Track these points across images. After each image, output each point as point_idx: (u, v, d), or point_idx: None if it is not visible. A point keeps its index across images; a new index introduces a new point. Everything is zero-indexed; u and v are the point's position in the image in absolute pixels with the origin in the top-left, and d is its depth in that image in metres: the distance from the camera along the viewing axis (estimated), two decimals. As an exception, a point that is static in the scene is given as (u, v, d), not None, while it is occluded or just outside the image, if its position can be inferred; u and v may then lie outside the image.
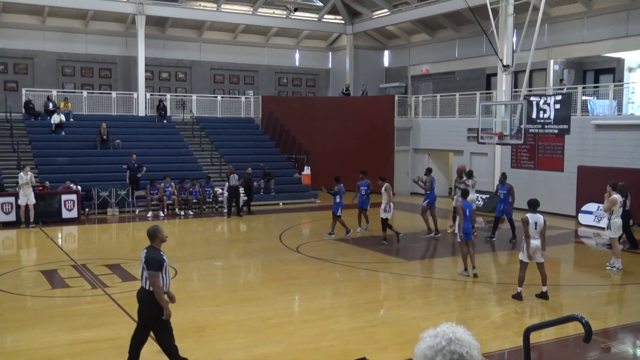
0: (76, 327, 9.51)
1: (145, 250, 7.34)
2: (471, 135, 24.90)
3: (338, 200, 17.19)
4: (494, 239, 17.37)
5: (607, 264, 14.05)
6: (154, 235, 7.40)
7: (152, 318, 7.27)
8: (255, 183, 24.09)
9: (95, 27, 29.77)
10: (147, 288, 7.21)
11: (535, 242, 11.18)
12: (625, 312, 10.55)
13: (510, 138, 19.67)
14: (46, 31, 28.86)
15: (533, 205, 11.54)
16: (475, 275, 12.93)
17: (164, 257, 7.31)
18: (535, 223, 11.20)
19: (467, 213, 13.11)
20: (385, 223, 16.48)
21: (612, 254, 14.09)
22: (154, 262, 7.16)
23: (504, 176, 17.84)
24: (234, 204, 22.11)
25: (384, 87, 33.87)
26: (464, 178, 17.80)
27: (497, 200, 21.74)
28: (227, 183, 22.39)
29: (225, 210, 22.36)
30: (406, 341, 8.68)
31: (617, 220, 13.86)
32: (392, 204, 16.42)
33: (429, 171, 18.62)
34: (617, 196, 13.86)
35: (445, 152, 28.33)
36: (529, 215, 11.30)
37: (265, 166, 25.73)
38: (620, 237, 14.70)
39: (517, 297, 11.23)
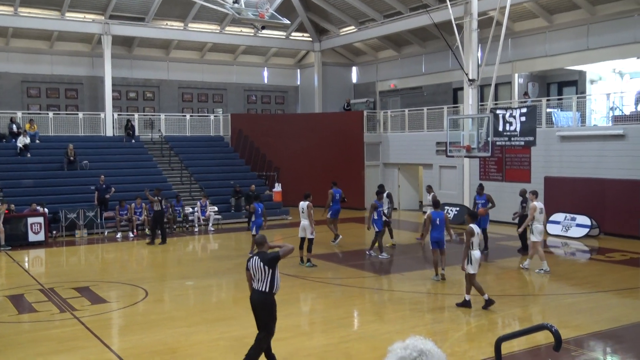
0: (44, 352, 9.31)
1: (257, 257, 8.27)
2: (440, 148, 25.17)
3: (254, 219, 17.11)
4: (487, 251, 17.32)
5: (537, 269, 14.75)
6: (263, 243, 8.58)
7: (266, 315, 8.18)
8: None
9: (60, 48, 29.48)
10: (265, 290, 8.11)
11: (479, 253, 11.47)
12: (595, 319, 10.70)
13: (478, 151, 19.92)
14: (10, 52, 28.49)
15: (475, 216, 11.77)
16: (442, 277, 13.74)
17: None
18: (478, 233, 11.49)
19: (438, 222, 13.71)
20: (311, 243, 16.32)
21: (539, 258, 14.82)
22: (275, 257, 8.24)
23: (481, 187, 18.07)
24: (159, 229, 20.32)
25: (352, 102, 34.07)
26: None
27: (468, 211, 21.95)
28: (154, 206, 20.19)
29: (149, 234, 20.71)
30: (381, 356, 8.63)
31: (539, 226, 14.79)
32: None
33: (333, 184, 19.73)
34: (537, 203, 14.94)
35: (414, 166, 28.56)
36: (473, 225, 11.51)
37: (236, 184, 25.64)
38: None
39: (490, 303, 11.33)
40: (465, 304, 11.48)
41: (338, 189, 19.86)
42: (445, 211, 23.91)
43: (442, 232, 13.85)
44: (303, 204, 16.20)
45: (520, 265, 15.23)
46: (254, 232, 16.97)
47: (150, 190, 20.58)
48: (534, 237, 14.87)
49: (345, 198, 20.47)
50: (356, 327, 11.04)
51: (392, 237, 18.85)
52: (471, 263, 11.34)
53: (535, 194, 15.49)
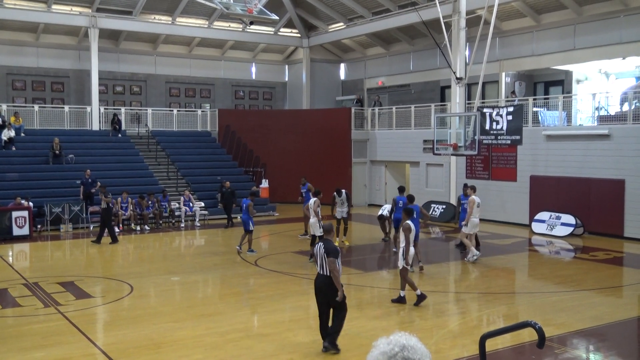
0: (27, 347, 9.24)
1: (321, 243, 8.89)
2: (427, 146, 25.24)
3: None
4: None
5: (466, 258, 15.73)
6: (330, 230, 9.25)
7: (335, 297, 8.68)
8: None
9: (46, 40, 29.21)
10: (328, 274, 8.67)
11: (414, 250, 11.71)
12: (578, 318, 10.80)
13: (465, 149, 20.02)
14: (-5, 44, 28.21)
15: (410, 213, 11.97)
16: (421, 269, 14.40)
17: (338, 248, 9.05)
18: (413, 230, 11.73)
19: (414, 215, 14.11)
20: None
21: (467, 247, 15.82)
22: (334, 251, 8.74)
23: (465, 187, 17.24)
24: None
25: (340, 99, 34.10)
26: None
27: (454, 211, 22.10)
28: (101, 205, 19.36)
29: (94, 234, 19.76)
30: (366, 352, 8.68)
31: (475, 220, 15.55)
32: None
33: (305, 179, 20.49)
34: (475, 197, 15.67)
35: (402, 163, 28.63)
36: (409, 222, 11.73)
37: (223, 179, 25.54)
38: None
39: (422, 298, 11.49)
40: (400, 300, 11.64)
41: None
42: (432, 209, 24.08)
43: (418, 225, 14.51)
44: (311, 201, 16.37)
45: (465, 259, 15.82)
46: (250, 227, 16.93)
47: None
48: (466, 229, 15.69)
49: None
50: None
51: (345, 234, 18.73)
52: (405, 259, 11.56)
53: (473, 188, 16.20)
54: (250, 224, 16.86)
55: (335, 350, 8.83)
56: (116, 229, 21.26)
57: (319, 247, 8.88)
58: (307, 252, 16.81)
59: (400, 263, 11.57)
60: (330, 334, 8.84)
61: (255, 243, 17.98)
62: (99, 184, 22.34)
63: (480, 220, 16.83)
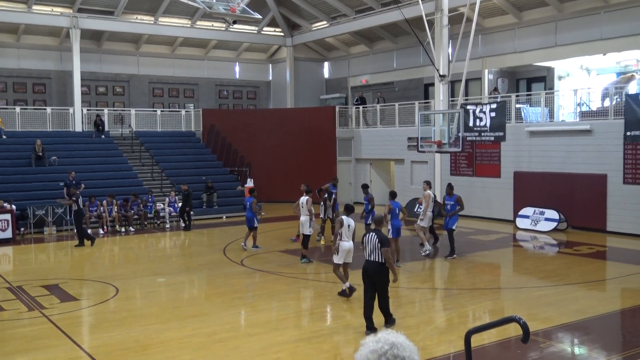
0: (11, 351, 9.16)
1: (373, 233, 9.71)
2: (411, 144, 25.32)
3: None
4: (455, 255, 16.03)
5: (421, 251, 16.20)
6: (380, 222, 10.37)
7: (383, 283, 9.61)
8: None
9: (27, 41, 28.92)
10: (379, 261, 9.54)
11: (349, 244, 11.91)
12: (562, 312, 10.90)
13: (449, 146, 20.10)
14: (-25, 46, 27.89)
15: (349, 210, 12.21)
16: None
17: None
18: (349, 225, 11.92)
19: (397, 211, 14.91)
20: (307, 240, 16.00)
21: (422, 240, 16.35)
22: (386, 241, 9.71)
23: (450, 187, 16.70)
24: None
25: (324, 98, 34.11)
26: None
27: (439, 208, 22.13)
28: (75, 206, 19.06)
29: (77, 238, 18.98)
30: (353, 349, 8.71)
31: (429, 213, 16.28)
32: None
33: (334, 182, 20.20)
34: (429, 192, 16.39)
35: (386, 161, 28.70)
36: (344, 217, 12.00)
37: (208, 179, 25.49)
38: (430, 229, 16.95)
39: (352, 290, 11.78)
40: (343, 293, 11.92)
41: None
42: (417, 206, 24.15)
43: (399, 222, 15.00)
44: (303, 199, 16.24)
45: (421, 252, 16.29)
46: (255, 224, 17.35)
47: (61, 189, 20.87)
48: (423, 223, 16.18)
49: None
50: (328, 321, 11.08)
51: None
52: (337, 253, 11.84)
53: (428, 183, 16.82)
54: (255, 220, 17.27)
55: (392, 324, 9.81)
56: (100, 231, 21.20)
57: (372, 236, 9.61)
58: (294, 252, 16.83)
59: (334, 257, 11.97)
60: (383, 314, 9.80)
61: (240, 243, 17.97)
62: (82, 186, 22.18)
63: (466, 216, 17.02)
